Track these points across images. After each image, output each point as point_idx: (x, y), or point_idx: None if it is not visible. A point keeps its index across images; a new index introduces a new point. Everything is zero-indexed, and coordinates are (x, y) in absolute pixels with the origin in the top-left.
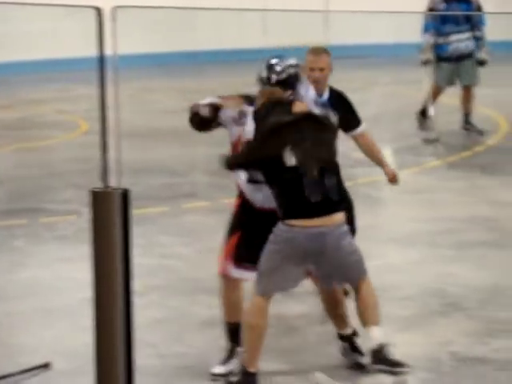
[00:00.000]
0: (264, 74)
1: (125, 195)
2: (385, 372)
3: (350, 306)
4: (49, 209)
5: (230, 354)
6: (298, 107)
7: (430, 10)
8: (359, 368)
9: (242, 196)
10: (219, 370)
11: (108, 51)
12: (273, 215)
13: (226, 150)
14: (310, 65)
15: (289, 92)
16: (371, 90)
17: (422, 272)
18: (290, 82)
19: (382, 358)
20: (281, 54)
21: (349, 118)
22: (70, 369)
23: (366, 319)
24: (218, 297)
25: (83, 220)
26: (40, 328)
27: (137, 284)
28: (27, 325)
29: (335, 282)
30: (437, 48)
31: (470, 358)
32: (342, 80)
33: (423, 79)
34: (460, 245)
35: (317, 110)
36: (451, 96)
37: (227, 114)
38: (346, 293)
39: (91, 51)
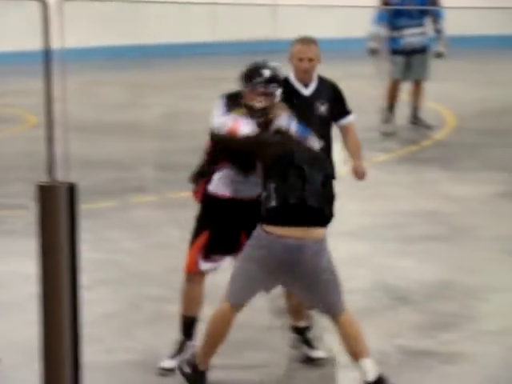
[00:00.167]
0: (254, 75)
1: (72, 189)
2: None
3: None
4: None
5: (181, 348)
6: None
7: (385, 3)
8: (309, 361)
9: (205, 192)
10: (168, 364)
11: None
12: (241, 204)
13: (175, 144)
14: (299, 55)
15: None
16: None
17: (369, 266)
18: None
19: None
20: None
21: (338, 107)
22: (16, 363)
23: (355, 353)
24: (181, 291)
25: (32, 214)
26: None
27: (85, 279)
28: None
29: (320, 311)
30: (390, 42)
31: (417, 351)
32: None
33: (378, 73)
34: (407, 239)
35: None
36: (400, 90)
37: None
38: None
39: (39, 44)
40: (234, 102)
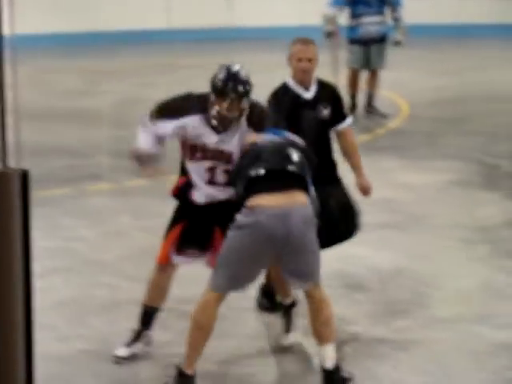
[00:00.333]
0: (229, 84)
1: (24, 176)
2: None
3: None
4: None
5: (136, 337)
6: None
7: None
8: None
9: (181, 187)
10: (123, 352)
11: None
12: (217, 203)
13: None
14: (298, 55)
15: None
16: (275, 73)
17: (324, 253)
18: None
19: (336, 380)
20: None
21: (337, 111)
22: None
23: (322, 336)
24: (148, 280)
25: None
26: None
27: (38, 266)
28: None
29: (297, 281)
30: (348, 30)
31: (371, 339)
32: (244, 62)
33: (333, 61)
34: (363, 227)
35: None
36: (359, 79)
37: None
38: None
39: None
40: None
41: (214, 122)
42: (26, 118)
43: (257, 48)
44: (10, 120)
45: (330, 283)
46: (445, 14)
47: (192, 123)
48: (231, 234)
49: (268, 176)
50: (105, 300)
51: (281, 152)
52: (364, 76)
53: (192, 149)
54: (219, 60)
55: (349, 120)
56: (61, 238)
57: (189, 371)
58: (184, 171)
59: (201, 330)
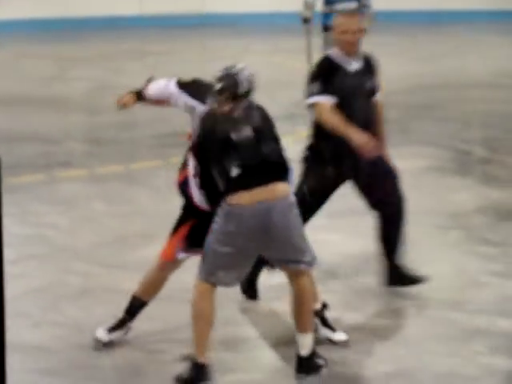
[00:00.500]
0: (242, 86)
1: None
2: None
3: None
4: None
5: (119, 325)
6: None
7: None
8: (331, 343)
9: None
10: (103, 336)
11: None
12: None
13: (103, 118)
14: (343, 27)
15: None
16: (244, 59)
17: None
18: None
19: (311, 367)
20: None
21: (376, 85)
22: None
23: (304, 325)
24: (144, 274)
25: None
26: None
27: (11, 253)
28: None
29: (289, 266)
30: (323, 17)
31: (344, 325)
32: (215, 48)
33: (307, 47)
34: (335, 213)
35: None
36: None
37: (182, 100)
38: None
39: None
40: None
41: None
42: None
43: (227, 34)
44: None
45: None
46: (422, 1)
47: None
48: (214, 227)
49: (246, 171)
50: (78, 287)
51: (256, 142)
52: None
53: None
54: (189, 46)
55: (380, 92)
56: (33, 225)
57: (202, 360)
58: (185, 165)
59: (202, 319)
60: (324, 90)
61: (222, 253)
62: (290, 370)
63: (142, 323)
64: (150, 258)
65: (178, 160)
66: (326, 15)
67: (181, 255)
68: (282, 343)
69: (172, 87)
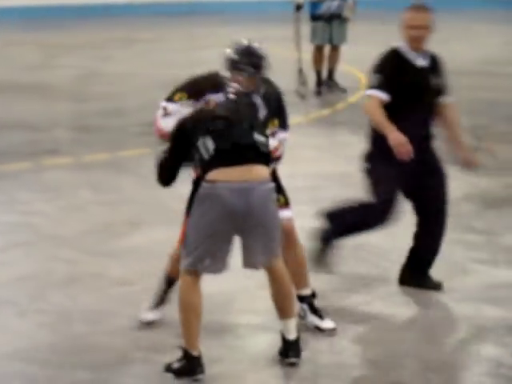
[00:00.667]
0: (253, 59)
1: None
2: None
3: None
4: None
5: (159, 303)
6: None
7: None
8: (319, 331)
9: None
10: (151, 316)
11: None
12: None
13: (89, 106)
14: (411, 22)
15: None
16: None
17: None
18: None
19: (296, 350)
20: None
21: (442, 85)
22: None
23: (285, 310)
24: (172, 255)
25: None
26: None
27: None
28: None
29: (258, 258)
30: (311, 7)
31: (331, 312)
32: (203, 36)
33: (296, 35)
34: (320, 201)
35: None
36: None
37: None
38: None
39: None
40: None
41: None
42: None
43: (214, 22)
44: None
45: None
46: None
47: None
48: (194, 211)
49: (224, 151)
50: (65, 274)
51: (246, 124)
52: (327, 51)
53: None
54: (177, 34)
55: (450, 94)
56: (20, 213)
57: (194, 352)
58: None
59: (189, 309)
60: (382, 85)
61: (202, 238)
62: (277, 357)
63: (133, 311)
64: (137, 246)
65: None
66: (314, 4)
67: None
68: (267, 331)
69: (171, 107)
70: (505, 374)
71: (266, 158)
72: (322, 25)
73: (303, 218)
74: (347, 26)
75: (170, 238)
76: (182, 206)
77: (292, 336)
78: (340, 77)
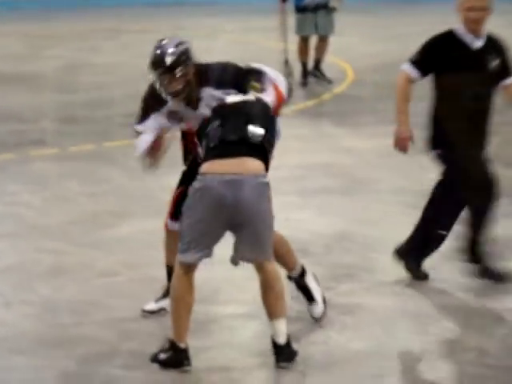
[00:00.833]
0: (155, 58)
1: None
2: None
3: None
4: None
5: (166, 294)
6: None
7: None
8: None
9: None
10: (152, 306)
11: None
12: None
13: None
14: (468, 4)
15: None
16: (218, 37)
17: None
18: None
19: (287, 354)
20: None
21: (505, 66)
22: None
23: (275, 311)
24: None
25: None
26: None
27: None
28: None
29: (247, 254)
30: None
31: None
32: (190, 27)
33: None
34: (305, 191)
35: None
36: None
37: (160, 124)
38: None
39: None
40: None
41: (171, 100)
42: None
43: (202, 14)
44: None
45: None
46: None
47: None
48: (187, 201)
49: (224, 142)
50: (50, 265)
51: (242, 117)
52: (313, 42)
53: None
54: (165, 25)
55: None
56: (5, 204)
57: (181, 344)
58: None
59: (178, 302)
60: (418, 62)
61: (192, 228)
62: (264, 347)
63: (120, 302)
64: (124, 236)
65: None
66: None
67: (170, 225)
68: (253, 320)
69: (139, 127)
70: (488, 362)
71: (261, 150)
72: (306, 16)
73: (289, 209)
74: (334, 16)
75: (157, 229)
76: (169, 196)
77: (282, 340)
78: (325, 68)
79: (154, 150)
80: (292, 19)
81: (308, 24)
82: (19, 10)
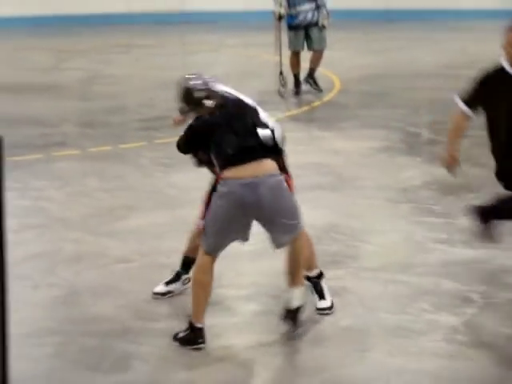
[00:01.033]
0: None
1: None
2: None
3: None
4: None
5: (175, 278)
6: None
7: None
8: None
9: None
10: (160, 289)
11: None
12: None
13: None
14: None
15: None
16: (220, 52)
17: None
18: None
19: (293, 318)
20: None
21: None
22: None
23: (294, 279)
24: (190, 237)
25: None
26: None
27: (13, 223)
28: None
29: (282, 238)
30: (288, 18)
31: (306, 287)
32: (194, 42)
33: (276, 41)
34: (299, 188)
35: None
36: (299, 61)
37: None
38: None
39: None
40: None
41: None
42: (1, 92)
43: (204, 30)
44: None
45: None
46: (376, 0)
47: None
48: (213, 202)
49: (240, 150)
50: (72, 253)
51: (248, 121)
52: (307, 56)
53: None
54: (171, 40)
55: None
56: (32, 198)
57: (198, 324)
58: None
59: (201, 288)
60: (470, 100)
61: (218, 225)
62: (262, 325)
63: (133, 285)
64: (136, 228)
65: (161, 141)
66: (291, 16)
67: (201, 224)
68: (252, 301)
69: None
70: (459, 339)
71: (273, 150)
72: (298, 33)
73: None
74: (325, 32)
75: (165, 221)
76: (176, 192)
77: (296, 303)
78: (318, 78)
79: None
80: (285, 36)
81: (299, 40)
82: (45, 27)
